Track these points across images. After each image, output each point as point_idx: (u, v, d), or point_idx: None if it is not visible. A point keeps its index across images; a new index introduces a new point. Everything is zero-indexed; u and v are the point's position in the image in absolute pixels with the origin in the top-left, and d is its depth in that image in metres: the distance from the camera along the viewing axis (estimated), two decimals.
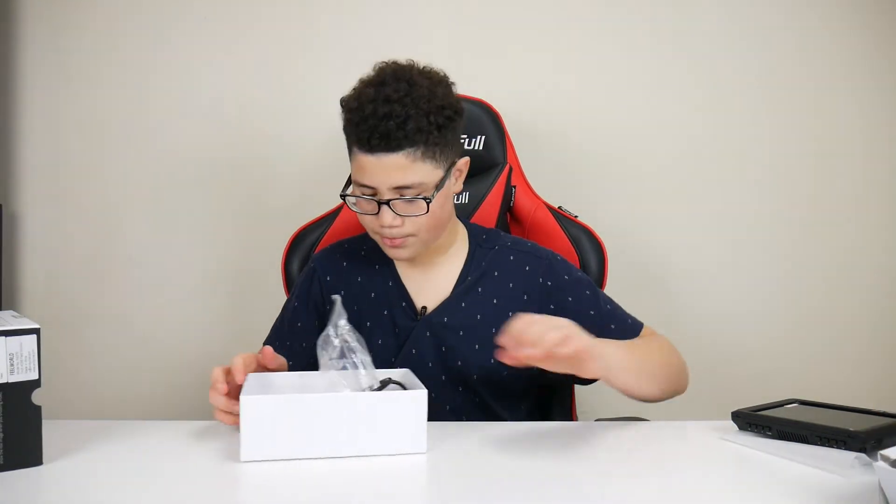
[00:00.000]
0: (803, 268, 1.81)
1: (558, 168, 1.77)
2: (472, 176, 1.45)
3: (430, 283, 1.22)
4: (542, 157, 1.72)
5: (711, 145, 1.80)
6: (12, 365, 0.84)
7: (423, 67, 1.14)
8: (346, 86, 1.68)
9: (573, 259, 1.38)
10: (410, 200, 1.10)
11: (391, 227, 1.11)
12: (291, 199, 1.77)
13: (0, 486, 0.81)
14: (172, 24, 1.78)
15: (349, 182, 1.17)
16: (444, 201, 1.15)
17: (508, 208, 1.46)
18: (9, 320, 0.89)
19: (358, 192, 1.13)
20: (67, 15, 1.77)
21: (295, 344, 1.23)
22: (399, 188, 1.09)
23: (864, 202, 1.81)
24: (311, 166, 1.77)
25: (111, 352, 1.80)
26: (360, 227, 1.19)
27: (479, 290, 1.20)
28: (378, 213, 1.11)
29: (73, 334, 1.78)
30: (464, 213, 1.41)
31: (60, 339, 1.75)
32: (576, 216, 1.44)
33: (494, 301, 1.20)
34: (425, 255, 1.20)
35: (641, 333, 1.22)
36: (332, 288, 1.23)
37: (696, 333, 1.81)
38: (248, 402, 0.88)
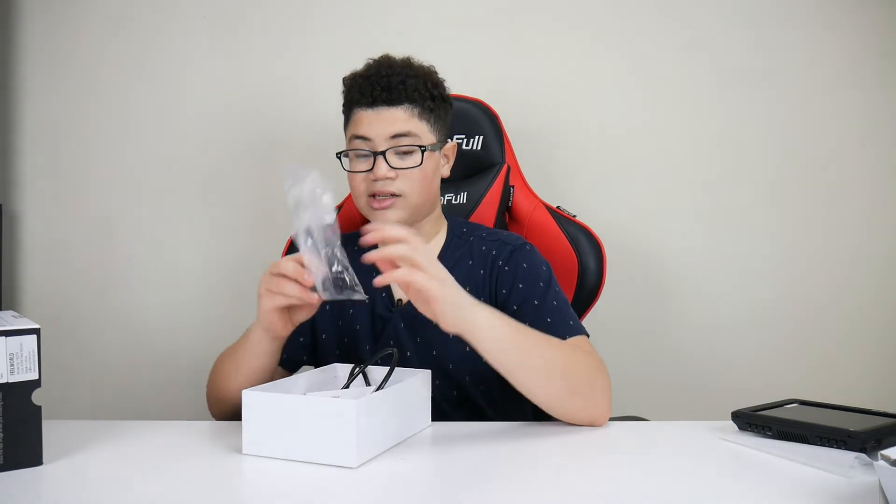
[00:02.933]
0: (803, 268, 1.81)
1: (556, 168, 1.77)
2: (471, 176, 1.45)
3: None
4: (540, 156, 1.72)
5: (711, 145, 1.80)
6: (12, 365, 0.84)
7: None
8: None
9: (571, 259, 1.38)
10: (406, 152, 1.17)
11: (385, 178, 1.15)
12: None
13: (0, 486, 0.81)
14: (172, 24, 1.78)
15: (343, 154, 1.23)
16: (435, 170, 1.21)
17: (507, 208, 1.46)
18: (9, 320, 0.89)
19: (353, 151, 1.19)
20: (67, 15, 1.77)
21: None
22: (396, 136, 1.16)
23: (865, 203, 1.80)
24: (310, 166, 1.77)
25: (111, 352, 1.80)
26: (358, 226, 1.19)
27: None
28: (372, 168, 1.16)
29: (73, 334, 1.78)
30: (462, 212, 1.41)
31: (60, 339, 1.75)
32: (574, 216, 1.44)
33: (467, 289, 1.18)
34: None
35: (574, 342, 1.12)
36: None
37: (695, 333, 1.81)
38: (249, 396, 0.91)
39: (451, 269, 1.19)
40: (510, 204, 1.45)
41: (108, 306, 1.80)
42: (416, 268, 0.92)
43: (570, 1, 1.78)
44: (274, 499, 0.80)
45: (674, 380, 1.80)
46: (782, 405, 1.06)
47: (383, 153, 1.16)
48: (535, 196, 1.47)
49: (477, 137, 1.45)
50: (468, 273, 1.21)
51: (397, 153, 1.17)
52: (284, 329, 1.04)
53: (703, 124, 1.80)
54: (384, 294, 1.23)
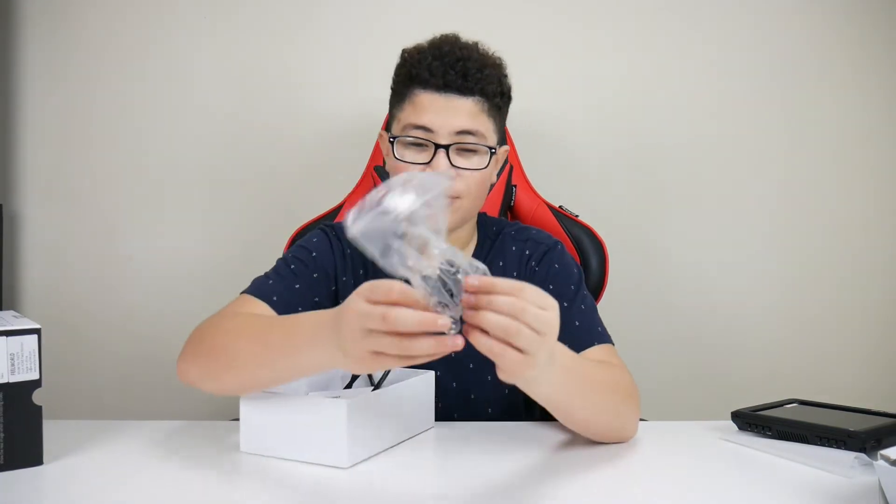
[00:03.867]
0: (804, 268, 1.81)
1: (559, 167, 1.77)
2: None
3: None
4: (542, 156, 1.72)
5: (714, 144, 1.80)
6: (13, 365, 0.84)
7: None
8: (346, 86, 1.69)
9: (574, 258, 1.38)
10: (471, 150, 1.04)
11: None
12: (291, 199, 1.77)
13: (0, 485, 0.81)
14: (172, 24, 1.78)
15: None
16: (493, 174, 1.10)
17: (509, 207, 1.46)
18: (9, 320, 0.89)
19: (409, 139, 1.04)
20: (67, 14, 1.77)
21: (288, 293, 1.08)
22: (463, 132, 1.03)
23: (866, 203, 1.80)
24: (310, 165, 1.77)
25: (111, 352, 1.80)
26: None
27: None
28: (430, 161, 1.03)
29: (74, 334, 1.78)
30: None
31: (61, 339, 1.75)
32: (577, 215, 1.44)
33: None
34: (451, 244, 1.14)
35: (603, 355, 1.06)
36: (355, 263, 1.13)
37: (696, 333, 1.81)
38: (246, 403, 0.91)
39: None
40: (512, 203, 1.45)
41: (109, 306, 1.79)
42: (512, 346, 0.71)
43: (575, 0, 1.78)
44: (273, 499, 0.80)
45: (674, 380, 1.80)
46: (782, 405, 1.06)
47: (447, 147, 1.04)
48: (538, 195, 1.47)
49: None
50: (500, 275, 1.16)
51: (461, 150, 1.05)
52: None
53: (705, 124, 1.80)
54: None
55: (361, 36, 1.77)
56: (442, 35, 1.08)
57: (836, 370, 1.81)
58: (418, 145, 1.05)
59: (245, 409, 0.91)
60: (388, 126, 1.16)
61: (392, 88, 1.12)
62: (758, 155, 1.80)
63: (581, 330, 1.06)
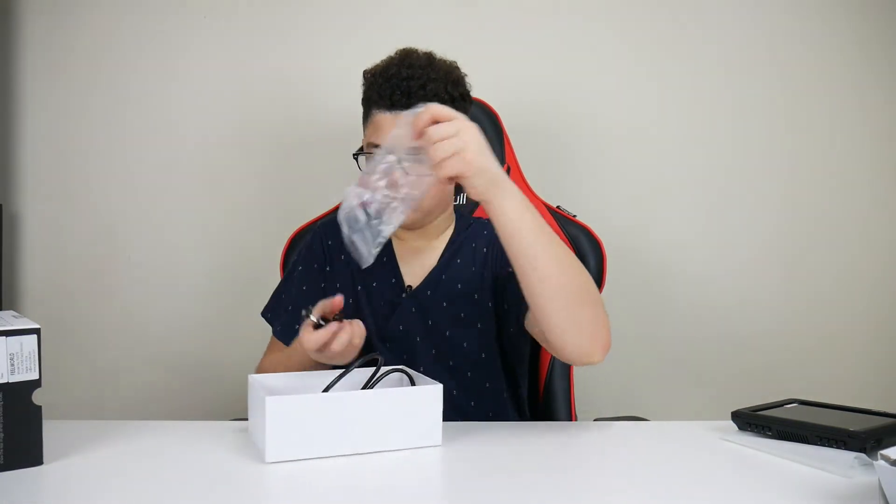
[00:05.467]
0: (803, 268, 1.81)
1: (556, 168, 1.77)
2: None
3: (419, 263, 1.25)
4: (540, 156, 1.72)
5: (710, 145, 1.80)
6: (13, 365, 0.84)
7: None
8: (346, 86, 1.69)
9: None
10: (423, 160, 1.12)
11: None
12: (291, 200, 1.77)
13: (0, 485, 0.81)
14: (172, 24, 1.78)
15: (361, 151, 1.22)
16: None
17: None
18: (9, 320, 0.89)
19: (368, 155, 1.17)
20: (67, 15, 1.77)
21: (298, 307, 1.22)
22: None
23: (865, 202, 1.81)
24: (310, 166, 1.77)
25: (111, 352, 1.80)
26: None
27: (458, 260, 1.24)
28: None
29: (74, 334, 1.78)
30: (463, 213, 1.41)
31: (61, 339, 1.75)
32: (574, 216, 1.44)
33: (473, 269, 1.24)
34: (421, 236, 1.25)
35: None
36: (333, 252, 1.29)
37: (695, 333, 1.81)
38: (273, 403, 0.88)
39: (456, 254, 1.25)
40: None
41: (108, 306, 1.80)
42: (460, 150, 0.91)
43: (572, 1, 1.78)
44: (274, 498, 0.80)
45: (674, 380, 1.80)
46: (782, 405, 1.06)
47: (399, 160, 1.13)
48: (536, 196, 1.47)
49: None
50: (473, 254, 1.24)
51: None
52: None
53: (703, 124, 1.80)
54: (393, 280, 1.24)
55: (361, 37, 1.77)
56: (398, 51, 1.18)
57: (836, 370, 1.81)
58: None
59: (272, 415, 0.88)
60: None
61: (362, 106, 1.22)
62: (758, 155, 1.80)
63: None
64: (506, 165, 1.45)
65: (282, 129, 1.78)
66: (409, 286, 1.24)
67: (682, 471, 0.89)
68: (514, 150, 1.49)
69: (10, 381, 0.84)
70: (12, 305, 1.76)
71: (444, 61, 1.19)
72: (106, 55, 1.78)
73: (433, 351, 1.21)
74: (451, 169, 0.92)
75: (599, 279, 1.40)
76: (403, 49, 1.19)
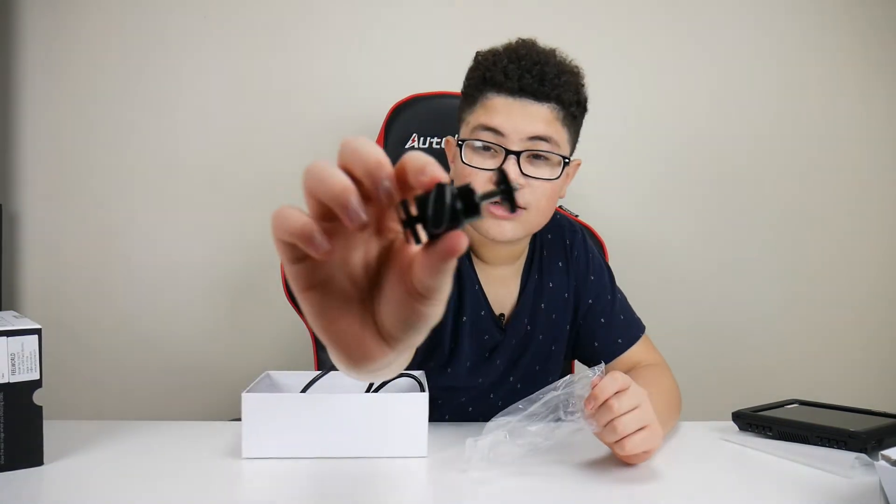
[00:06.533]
0: (804, 268, 1.81)
1: None
2: None
3: (502, 289, 1.12)
4: None
5: (712, 144, 1.80)
6: (13, 365, 0.84)
7: None
8: (346, 86, 1.69)
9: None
10: (543, 158, 0.99)
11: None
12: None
13: (1, 486, 0.81)
14: (172, 24, 1.78)
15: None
16: (563, 187, 1.05)
17: None
18: (10, 321, 0.89)
19: (479, 142, 0.99)
20: (67, 15, 1.77)
21: None
22: (536, 138, 0.97)
23: (866, 203, 1.81)
24: None
25: (111, 352, 1.80)
26: None
27: (536, 276, 1.13)
28: (499, 167, 0.97)
29: (74, 334, 1.78)
30: None
31: (61, 339, 1.75)
32: (576, 215, 1.44)
33: (550, 285, 1.13)
34: (507, 257, 1.10)
35: (645, 348, 1.18)
36: None
37: (696, 333, 1.81)
38: (250, 400, 0.89)
39: (539, 273, 1.13)
40: None
41: (108, 306, 1.79)
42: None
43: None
44: (276, 497, 0.80)
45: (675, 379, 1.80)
46: (783, 405, 1.06)
47: (518, 154, 0.97)
48: None
49: None
50: (548, 266, 1.13)
51: (532, 158, 0.99)
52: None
53: (705, 123, 1.80)
54: (483, 312, 1.09)
55: (362, 39, 1.76)
56: (519, 39, 1.03)
57: (836, 370, 1.81)
58: (488, 149, 1.00)
59: (248, 411, 0.90)
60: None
61: (463, 93, 1.06)
62: (758, 155, 1.80)
63: (626, 323, 1.15)
64: None
65: (283, 128, 1.78)
66: (502, 314, 1.11)
67: (682, 471, 0.89)
68: None
69: (10, 382, 0.84)
70: (12, 305, 1.76)
71: (572, 62, 1.04)
72: (106, 55, 1.78)
73: (510, 378, 1.13)
74: (640, 445, 0.85)
75: None
76: (526, 38, 1.03)
